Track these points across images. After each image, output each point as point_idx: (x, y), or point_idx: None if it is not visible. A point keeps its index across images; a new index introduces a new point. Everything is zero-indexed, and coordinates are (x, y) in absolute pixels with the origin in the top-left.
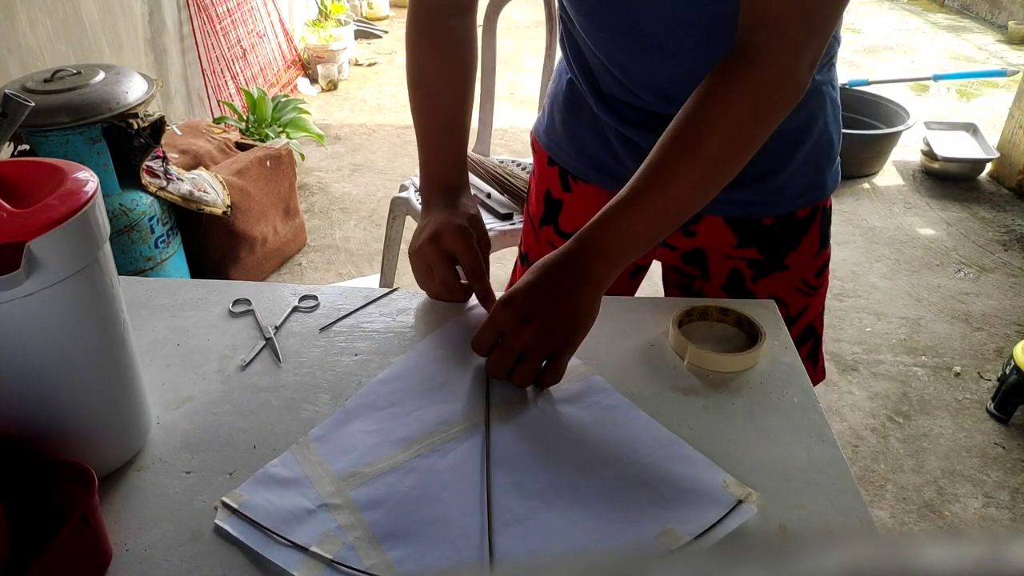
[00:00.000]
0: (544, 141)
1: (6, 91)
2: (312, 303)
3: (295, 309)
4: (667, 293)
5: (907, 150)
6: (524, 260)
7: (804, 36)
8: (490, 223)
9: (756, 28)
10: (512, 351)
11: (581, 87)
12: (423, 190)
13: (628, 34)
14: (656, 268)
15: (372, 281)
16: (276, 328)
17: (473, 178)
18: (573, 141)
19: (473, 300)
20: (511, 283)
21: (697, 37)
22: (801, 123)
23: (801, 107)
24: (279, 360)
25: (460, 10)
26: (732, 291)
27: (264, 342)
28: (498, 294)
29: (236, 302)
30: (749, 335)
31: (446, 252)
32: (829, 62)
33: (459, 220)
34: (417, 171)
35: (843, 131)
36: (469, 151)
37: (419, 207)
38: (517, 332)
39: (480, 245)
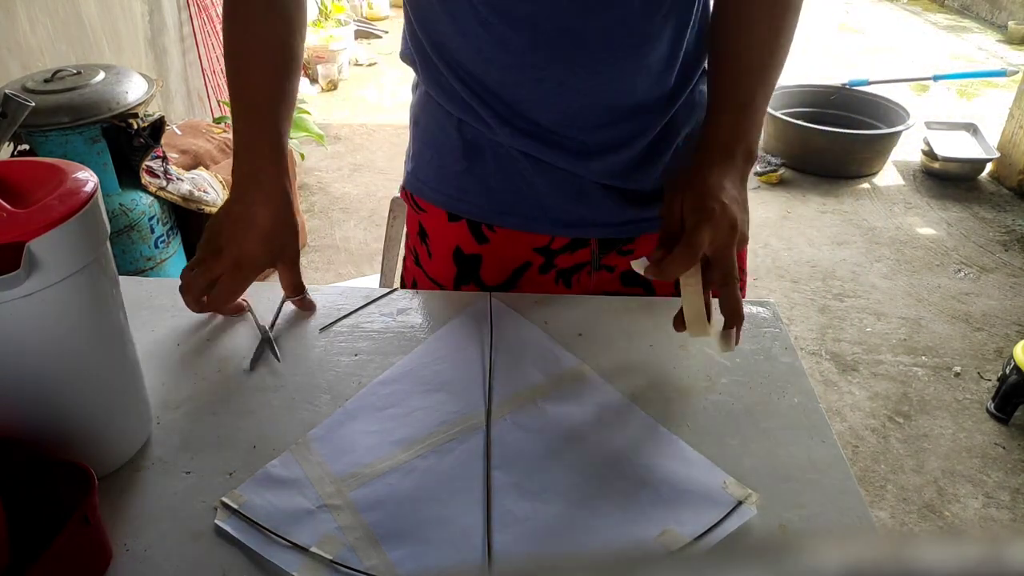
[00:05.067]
0: (435, 197)
1: (6, 91)
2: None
3: (286, 299)
4: None
5: (907, 150)
6: None
7: None
8: None
9: None
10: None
11: (478, 118)
12: (232, 171)
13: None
14: None
15: (372, 281)
16: (271, 326)
17: None
18: (480, 187)
19: (478, 298)
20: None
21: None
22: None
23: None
24: (278, 358)
25: None
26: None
27: (261, 341)
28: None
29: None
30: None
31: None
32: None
33: (264, 230)
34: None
35: (843, 131)
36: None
37: None
38: (727, 246)
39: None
